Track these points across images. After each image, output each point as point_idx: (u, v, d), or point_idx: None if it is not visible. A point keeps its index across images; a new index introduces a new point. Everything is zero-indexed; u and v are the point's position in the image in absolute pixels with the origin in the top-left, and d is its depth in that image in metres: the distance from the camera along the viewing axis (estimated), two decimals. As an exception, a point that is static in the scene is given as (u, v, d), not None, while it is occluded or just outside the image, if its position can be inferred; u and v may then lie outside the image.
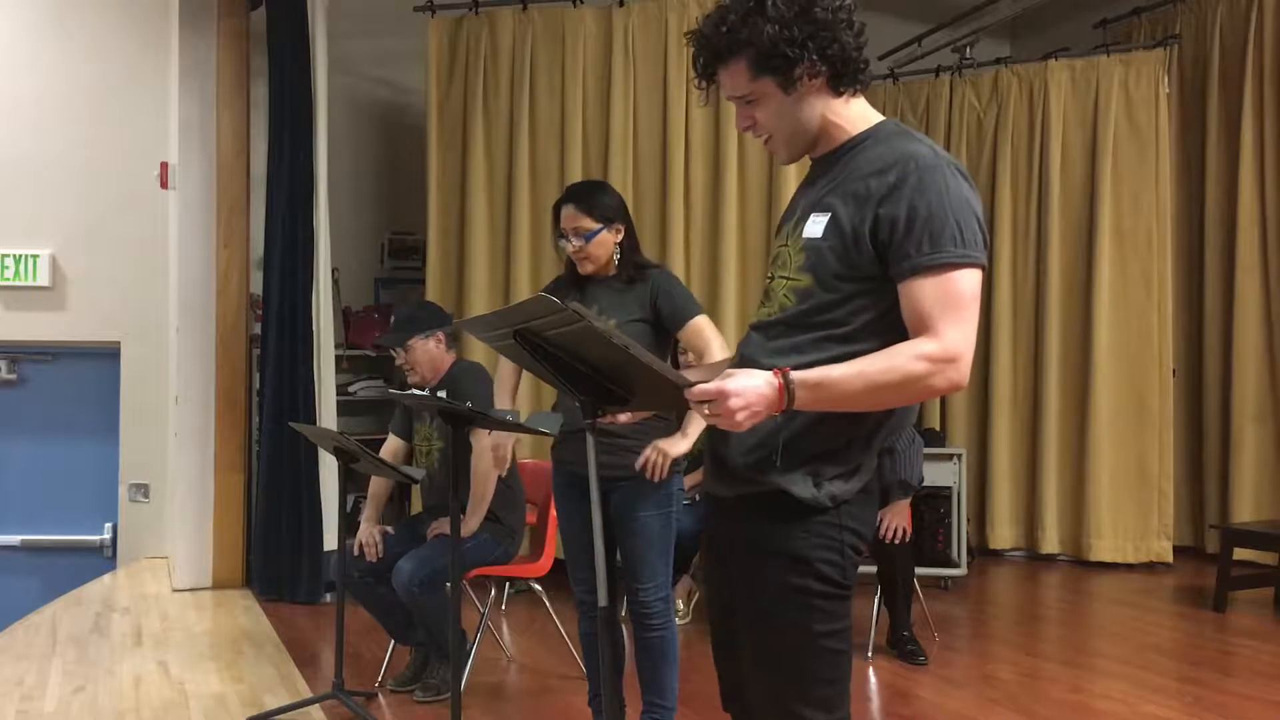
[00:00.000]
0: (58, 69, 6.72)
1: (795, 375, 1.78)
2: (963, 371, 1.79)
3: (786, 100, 1.92)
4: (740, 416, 1.74)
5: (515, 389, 3.62)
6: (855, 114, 1.98)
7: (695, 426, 3.20)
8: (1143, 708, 4.06)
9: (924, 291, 1.79)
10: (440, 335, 4.20)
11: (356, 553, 4.13)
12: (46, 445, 6.82)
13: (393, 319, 4.35)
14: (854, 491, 1.92)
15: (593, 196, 3.29)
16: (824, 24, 1.87)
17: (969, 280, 1.80)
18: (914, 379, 1.78)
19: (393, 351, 4.27)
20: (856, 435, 1.91)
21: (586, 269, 3.29)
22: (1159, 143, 6.93)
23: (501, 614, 5.52)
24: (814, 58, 1.88)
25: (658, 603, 3.26)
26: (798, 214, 2.00)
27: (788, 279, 1.96)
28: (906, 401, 1.86)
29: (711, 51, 1.93)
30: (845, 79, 1.93)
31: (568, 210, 3.28)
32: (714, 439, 2.05)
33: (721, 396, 1.73)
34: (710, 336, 3.22)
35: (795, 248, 1.96)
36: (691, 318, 3.24)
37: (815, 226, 1.91)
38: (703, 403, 1.76)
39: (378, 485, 4.34)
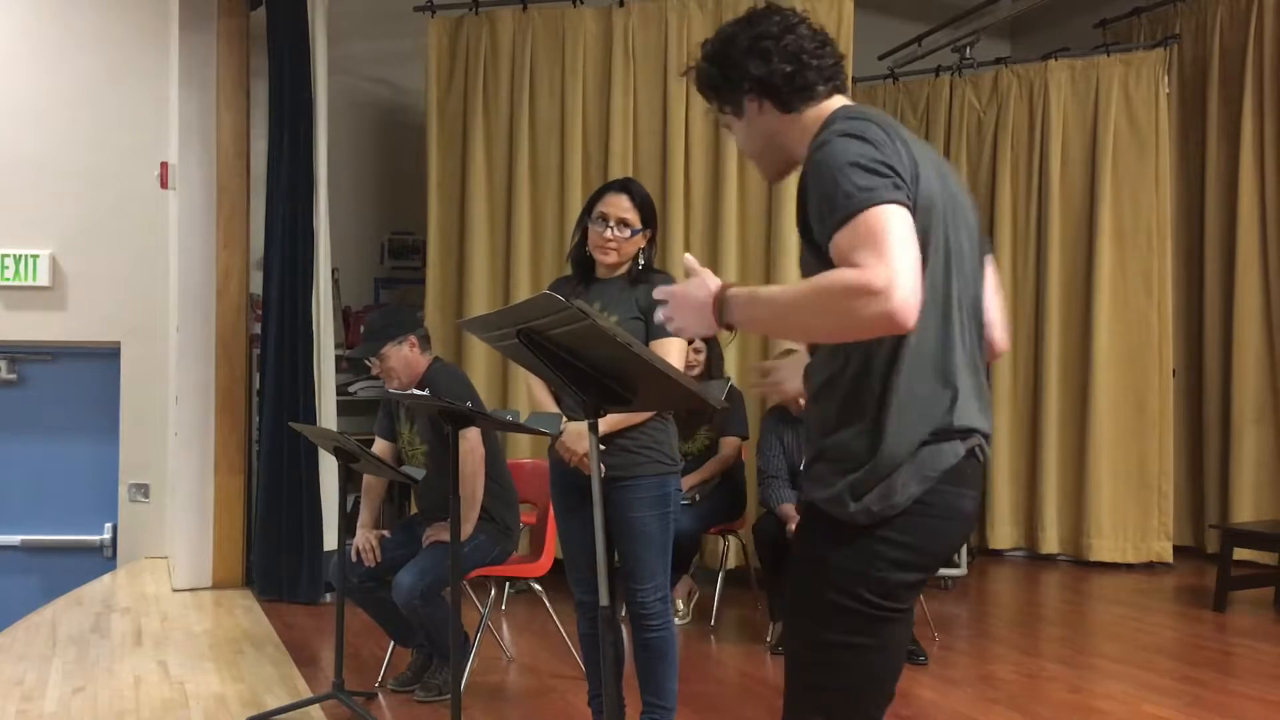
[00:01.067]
0: (58, 69, 6.72)
1: (731, 289, 1.85)
2: (893, 302, 1.65)
3: (742, 125, 2.06)
4: (677, 316, 1.90)
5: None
6: (808, 125, 1.98)
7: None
8: (1143, 708, 4.06)
9: (839, 246, 1.75)
10: (413, 339, 4.15)
11: (355, 558, 4.13)
12: (46, 445, 6.82)
13: (363, 330, 4.28)
14: (894, 508, 1.86)
15: (646, 197, 3.29)
16: (736, 58, 2.00)
17: (873, 218, 1.73)
18: (835, 298, 1.70)
19: (367, 362, 4.22)
20: (884, 449, 1.87)
21: (609, 260, 3.26)
22: (1159, 143, 6.93)
23: (501, 614, 5.52)
24: (742, 86, 2.00)
25: (656, 603, 3.26)
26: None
27: None
28: (840, 331, 1.78)
29: (697, 83, 2.11)
30: (786, 100, 1.99)
31: (620, 199, 3.24)
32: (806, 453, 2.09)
33: (670, 295, 1.90)
34: (674, 359, 3.17)
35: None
36: (665, 334, 3.18)
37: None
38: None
39: (370, 487, 4.33)
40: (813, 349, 2.03)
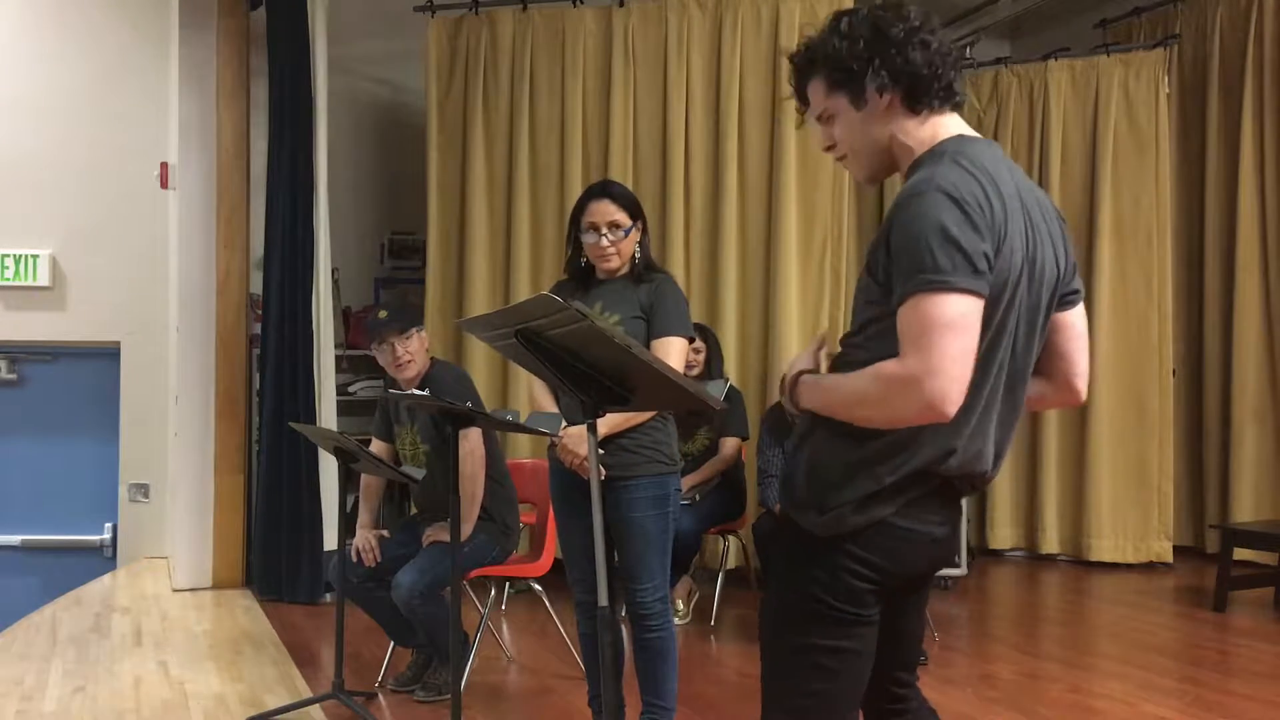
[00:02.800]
0: (58, 69, 6.73)
1: (805, 376, 1.97)
2: (927, 394, 1.71)
3: (857, 117, 1.96)
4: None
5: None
6: (926, 135, 1.97)
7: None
8: (1143, 708, 4.06)
9: (902, 317, 1.78)
10: (424, 334, 4.20)
11: (355, 559, 4.13)
12: (46, 445, 6.82)
13: (382, 314, 4.19)
14: (863, 525, 1.90)
15: (625, 191, 3.30)
16: (892, 42, 1.92)
17: (931, 304, 1.75)
18: (875, 397, 1.79)
19: (375, 349, 4.15)
20: (861, 467, 1.90)
21: (612, 264, 3.26)
22: (1159, 143, 6.93)
23: (501, 614, 5.52)
24: (881, 74, 1.92)
25: (655, 604, 3.26)
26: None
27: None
28: (887, 419, 1.82)
29: (797, 69, 2.02)
30: (919, 98, 1.94)
31: (603, 204, 3.23)
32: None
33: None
34: (674, 360, 3.18)
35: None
36: (667, 334, 3.21)
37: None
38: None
39: (369, 487, 4.32)
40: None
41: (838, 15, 1.99)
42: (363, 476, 4.30)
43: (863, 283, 1.93)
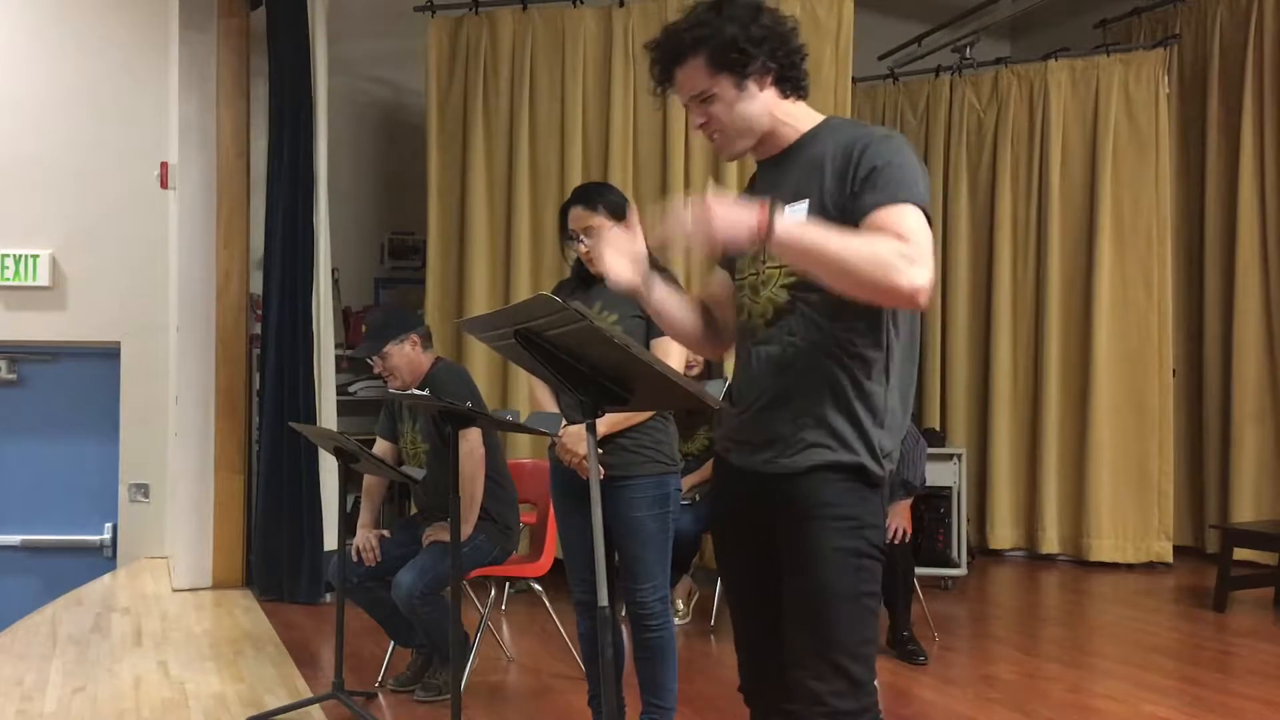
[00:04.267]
0: (58, 69, 6.73)
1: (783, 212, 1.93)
2: (922, 282, 1.87)
3: (736, 97, 2.09)
4: (713, 218, 1.87)
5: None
6: (803, 113, 2.16)
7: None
8: (1143, 708, 4.06)
9: (887, 215, 1.95)
10: (414, 338, 4.16)
11: (355, 558, 4.13)
12: (46, 445, 6.82)
13: (364, 328, 4.29)
14: (891, 468, 2.10)
15: (601, 196, 3.30)
16: (773, 29, 2.08)
17: (921, 219, 1.96)
18: (884, 257, 1.86)
19: (369, 361, 4.22)
20: (902, 407, 2.10)
21: (598, 268, 3.28)
22: (1159, 143, 6.93)
23: (501, 614, 5.52)
24: (766, 57, 2.07)
25: (655, 603, 3.26)
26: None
27: (779, 268, 2.09)
28: (869, 287, 1.89)
29: (673, 51, 2.10)
30: (790, 83, 2.12)
31: (577, 211, 3.27)
32: (762, 419, 2.12)
33: (710, 201, 1.89)
34: (674, 360, 3.19)
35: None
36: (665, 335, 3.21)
37: (798, 214, 2.04)
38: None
39: (371, 487, 4.33)
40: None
41: (713, 6, 2.08)
42: (365, 476, 4.31)
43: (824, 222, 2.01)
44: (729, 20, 2.05)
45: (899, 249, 1.88)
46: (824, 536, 2.04)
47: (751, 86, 2.08)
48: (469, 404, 3.26)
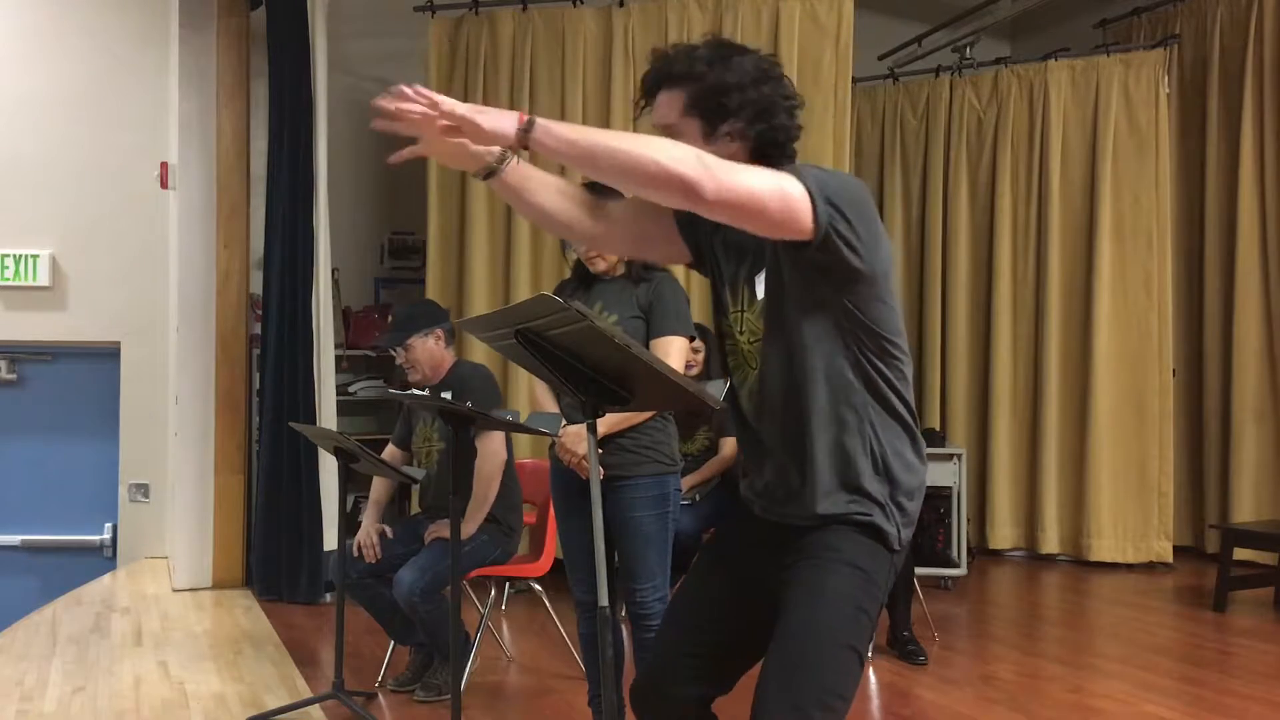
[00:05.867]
0: (58, 69, 6.72)
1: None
2: (695, 174, 1.80)
3: (704, 146, 1.97)
4: (469, 111, 1.87)
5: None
6: None
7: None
8: (1143, 708, 4.06)
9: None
10: (439, 333, 4.19)
11: (356, 554, 4.14)
12: (46, 445, 6.82)
13: (390, 319, 4.35)
14: (907, 539, 2.07)
15: (604, 190, 3.30)
16: (767, 99, 1.99)
17: (794, 186, 1.88)
18: (665, 147, 1.83)
19: (392, 351, 4.26)
20: (916, 494, 2.07)
21: (599, 266, 3.29)
22: (1159, 143, 6.93)
23: (501, 614, 5.52)
24: (745, 124, 1.99)
25: (655, 603, 3.26)
26: (739, 280, 2.11)
27: (749, 337, 2.09)
28: (642, 172, 1.83)
29: (665, 72, 2.04)
30: (767, 159, 2.00)
31: None
32: (780, 476, 2.09)
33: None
34: (674, 360, 3.20)
35: (755, 314, 2.08)
36: (666, 333, 3.23)
37: (761, 287, 2.04)
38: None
39: (379, 490, 4.34)
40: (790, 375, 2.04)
41: (727, 47, 2.02)
42: (373, 485, 4.33)
43: (779, 299, 2.00)
44: (728, 71, 1.98)
45: (673, 142, 1.87)
46: (833, 579, 2.00)
47: (721, 141, 2.01)
48: (468, 403, 3.26)
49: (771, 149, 2.02)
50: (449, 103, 1.91)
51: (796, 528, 2.05)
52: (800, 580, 2.02)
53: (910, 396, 2.08)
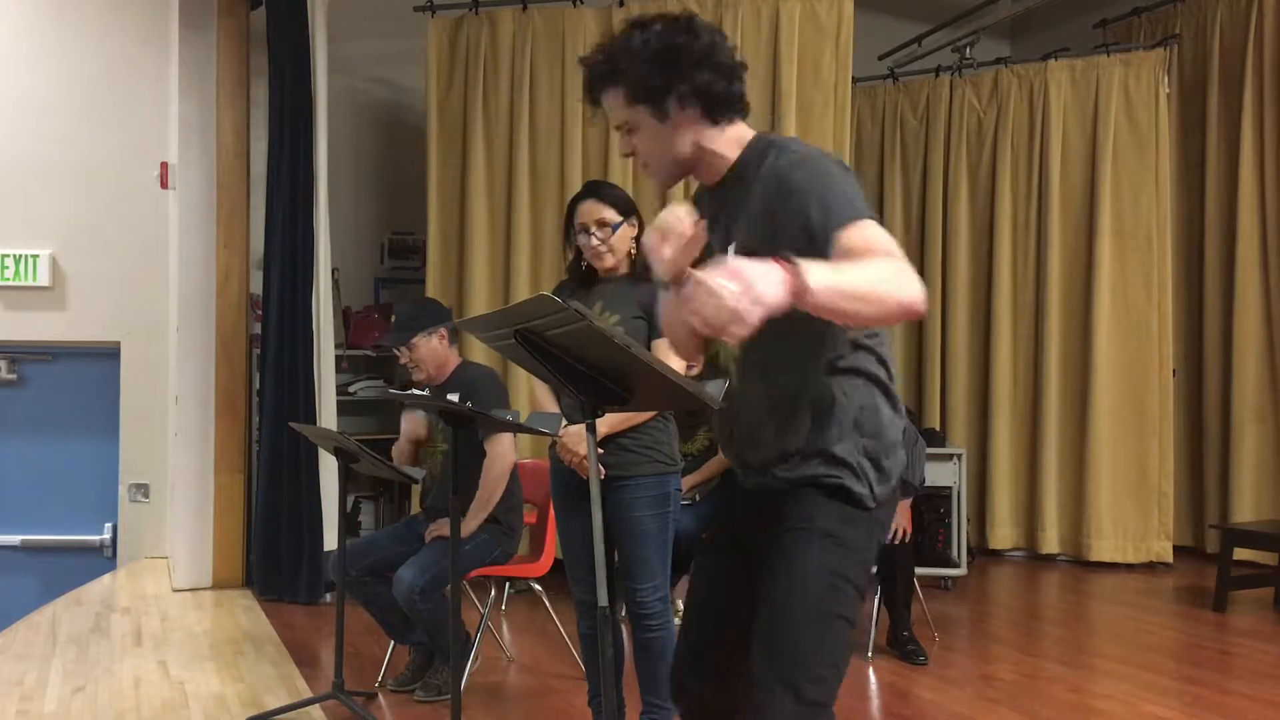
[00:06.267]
0: (58, 69, 6.72)
1: (802, 263, 1.69)
2: (922, 289, 1.77)
3: (661, 129, 2.03)
4: (737, 284, 1.61)
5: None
6: (734, 138, 2.08)
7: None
8: (1143, 708, 4.06)
9: (851, 240, 1.83)
10: (443, 332, 4.19)
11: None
12: (46, 445, 6.82)
13: (394, 318, 4.35)
14: (887, 495, 2.06)
15: (613, 189, 3.34)
16: (690, 62, 1.99)
17: (879, 230, 1.86)
18: (891, 281, 1.75)
19: (396, 351, 4.25)
20: (894, 427, 2.06)
21: (607, 263, 3.29)
22: (1159, 143, 6.93)
23: (501, 614, 5.52)
24: (686, 87, 2.00)
25: (655, 603, 3.26)
26: (714, 250, 2.07)
27: None
28: (882, 310, 1.76)
29: (595, 79, 2.09)
30: (722, 107, 2.03)
31: (589, 204, 3.28)
32: (753, 431, 2.10)
33: (728, 268, 1.63)
34: (675, 360, 3.19)
35: None
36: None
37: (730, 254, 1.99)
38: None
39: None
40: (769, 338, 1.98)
41: (632, 28, 2.03)
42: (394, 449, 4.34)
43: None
44: (645, 51, 1.99)
45: (895, 264, 1.78)
46: (801, 547, 2.00)
47: (674, 117, 2.02)
48: (468, 403, 3.26)
49: (725, 96, 2.02)
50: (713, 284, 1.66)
51: (772, 492, 2.07)
52: (773, 554, 2.04)
53: (887, 352, 2.07)
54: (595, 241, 3.25)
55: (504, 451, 4.06)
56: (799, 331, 1.97)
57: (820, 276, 1.68)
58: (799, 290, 1.65)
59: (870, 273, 1.77)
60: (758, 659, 2.01)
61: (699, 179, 2.14)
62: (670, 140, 2.05)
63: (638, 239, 3.31)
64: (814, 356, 2.02)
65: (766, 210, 1.98)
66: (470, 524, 4.01)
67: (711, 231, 2.08)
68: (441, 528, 4.04)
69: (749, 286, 1.61)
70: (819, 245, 1.86)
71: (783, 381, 2.04)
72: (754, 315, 1.62)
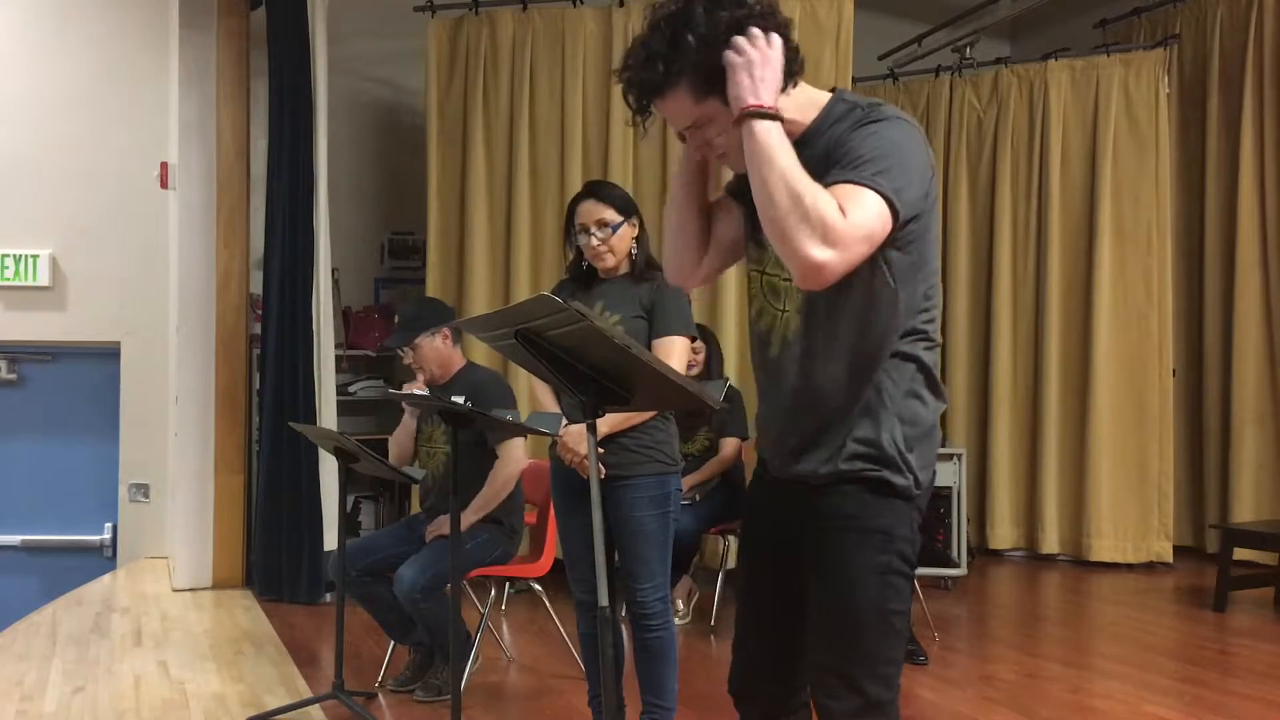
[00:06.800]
0: (58, 68, 6.72)
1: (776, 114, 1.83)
2: (832, 262, 1.76)
3: (729, 114, 1.89)
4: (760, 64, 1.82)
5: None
6: (804, 102, 1.99)
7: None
8: (1143, 708, 4.06)
9: (841, 188, 1.81)
10: (446, 332, 4.18)
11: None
12: (46, 445, 6.82)
13: (397, 318, 4.34)
14: (928, 480, 2.03)
15: (613, 189, 3.33)
16: (746, 23, 1.87)
17: (880, 205, 1.81)
18: (808, 212, 1.75)
19: (399, 351, 4.25)
20: (932, 433, 2.03)
21: (608, 263, 3.29)
22: (1159, 143, 6.93)
23: (501, 614, 5.52)
24: None
25: (655, 603, 3.26)
26: None
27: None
28: (779, 234, 1.78)
29: (648, 89, 1.92)
30: (786, 76, 1.91)
31: (589, 205, 3.28)
32: (793, 425, 2.04)
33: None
34: (676, 360, 3.20)
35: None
36: (668, 334, 3.23)
37: None
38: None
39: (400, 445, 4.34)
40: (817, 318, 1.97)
41: (670, 20, 1.90)
42: (394, 435, 4.34)
43: None
44: (702, 37, 1.86)
45: (829, 215, 1.74)
46: (851, 549, 1.97)
47: None
48: (467, 403, 3.26)
49: (789, 67, 1.92)
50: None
51: (812, 487, 2.01)
52: (823, 555, 2.00)
53: (936, 331, 2.02)
54: (595, 242, 3.25)
55: (518, 456, 4.06)
56: (848, 315, 1.93)
57: (773, 137, 1.80)
58: (748, 111, 1.81)
59: (803, 186, 1.76)
60: (820, 662, 2.00)
61: None
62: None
63: (638, 239, 3.31)
64: (862, 341, 1.95)
65: (846, 143, 1.89)
66: (470, 517, 3.99)
67: None
68: (441, 526, 4.04)
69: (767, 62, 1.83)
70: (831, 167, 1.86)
71: (829, 370, 1.97)
72: (761, 83, 1.83)
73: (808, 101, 1.99)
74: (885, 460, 1.97)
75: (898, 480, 1.97)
